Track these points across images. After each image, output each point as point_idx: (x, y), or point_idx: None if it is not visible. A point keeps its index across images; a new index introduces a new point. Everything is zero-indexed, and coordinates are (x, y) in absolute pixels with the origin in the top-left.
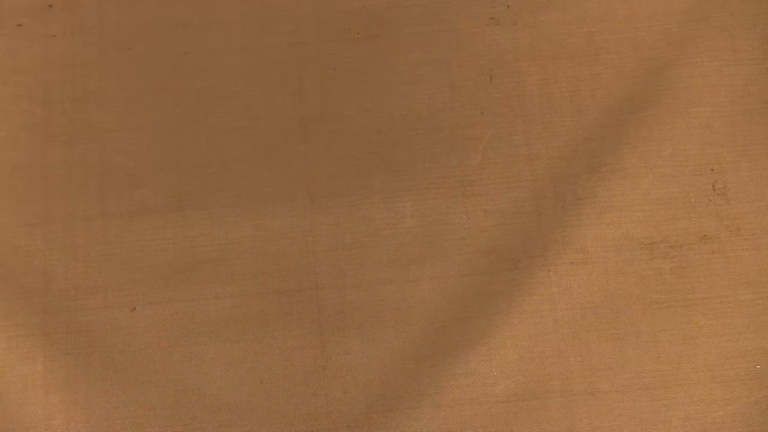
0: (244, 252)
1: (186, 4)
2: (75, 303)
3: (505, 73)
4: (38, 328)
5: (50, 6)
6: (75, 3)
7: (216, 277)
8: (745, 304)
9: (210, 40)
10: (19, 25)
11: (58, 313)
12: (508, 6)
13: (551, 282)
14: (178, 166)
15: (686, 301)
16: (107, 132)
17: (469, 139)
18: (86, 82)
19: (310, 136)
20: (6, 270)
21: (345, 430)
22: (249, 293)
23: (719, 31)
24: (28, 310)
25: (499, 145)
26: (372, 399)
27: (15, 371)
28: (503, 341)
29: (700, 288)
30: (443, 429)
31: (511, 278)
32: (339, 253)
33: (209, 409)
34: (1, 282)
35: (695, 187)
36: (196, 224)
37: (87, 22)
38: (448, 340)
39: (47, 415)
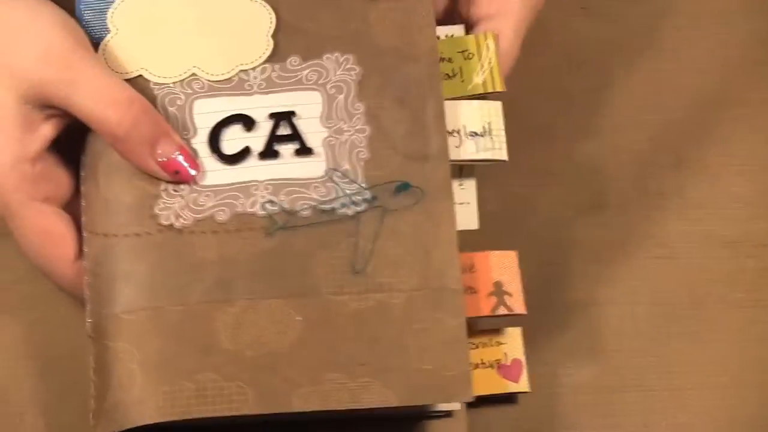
0: None
1: None
2: None
3: (590, 63)
4: None
5: None
6: None
7: None
8: None
9: None
10: None
11: None
12: None
13: (633, 275)
14: None
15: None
16: None
17: (552, 129)
18: None
19: None
20: None
21: None
22: None
23: None
24: None
25: (581, 136)
26: None
27: None
28: (580, 332)
29: None
30: (513, 418)
31: (591, 270)
32: None
33: None
34: None
35: None
36: None
37: None
38: (524, 329)
39: None
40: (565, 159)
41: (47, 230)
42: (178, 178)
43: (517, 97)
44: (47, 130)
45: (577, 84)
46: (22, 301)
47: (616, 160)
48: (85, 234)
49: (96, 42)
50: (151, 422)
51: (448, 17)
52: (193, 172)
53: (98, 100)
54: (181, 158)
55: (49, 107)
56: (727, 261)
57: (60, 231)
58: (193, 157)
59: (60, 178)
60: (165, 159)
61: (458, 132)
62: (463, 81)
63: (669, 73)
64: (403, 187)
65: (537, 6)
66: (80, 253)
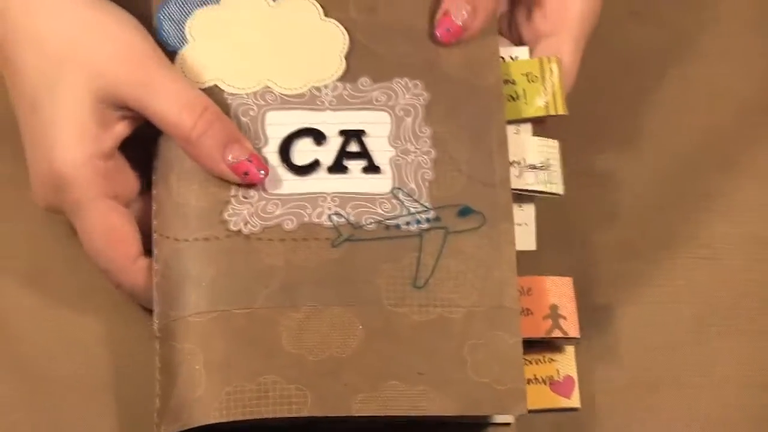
0: None
1: None
2: None
3: (640, 66)
4: None
5: None
6: None
7: None
8: None
9: None
10: None
11: None
12: (650, 2)
13: (676, 275)
14: None
15: None
16: None
17: (600, 130)
18: None
19: None
20: None
21: None
22: None
23: None
24: None
25: (628, 137)
26: None
27: None
28: (621, 328)
29: None
30: (553, 422)
31: (635, 267)
32: None
33: None
34: None
35: None
36: None
37: None
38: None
39: None
40: (612, 160)
41: (114, 227)
42: (248, 180)
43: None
44: (120, 129)
45: (626, 86)
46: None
47: (662, 161)
48: (155, 237)
49: (173, 51)
50: (214, 422)
51: (506, 35)
52: (262, 174)
53: (173, 104)
54: (250, 162)
55: (123, 108)
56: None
57: (126, 229)
58: (262, 161)
59: (127, 178)
60: (236, 161)
61: (518, 163)
62: (526, 103)
63: (718, 78)
64: (466, 211)
65: (594, 21)
66: (141, 252)
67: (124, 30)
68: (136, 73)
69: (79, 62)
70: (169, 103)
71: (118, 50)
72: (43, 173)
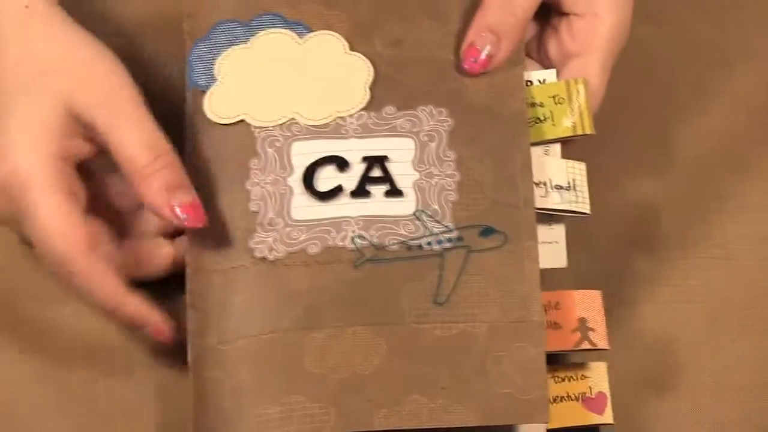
0: None
1: None
2: None
3: (657, 71)
4: None
5: None
6: None
7: None
8: None
9: None
10: None
11: None
12: (664, 5)
13: (690, 275)
14: None
15: None
16: None
17: (613, 132)
18: None
19: None
20: None
21: None
22: None
23: None
24: None
25: (645, 141)
26: None
27: None
28: (636, 328)
29: None
30: None
31: (649, 268)
32: None
33: None
34: None
35: None
36: None
37: None
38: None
39: None
40: (625, 161)
41: (69, 212)
42: (185, 225)
43: None
44: (81, 146)
45: (639, 89)
46: None
47: (676, 164)
48: (188, 271)
49: (203, 89)
50: None
51: (534, 57)
52: (199, 224)
53: (136, 139)
54: (193, 209)
55: (89, 128)
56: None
57: (77, 216)
58: (202, 211)
59: (80, 192)
60: (179, 206)
61: (545, 184)
62: (554, 125)
63: (732, 83)
64: (489, 231)
65: (622, 43)
66: (93, 249)
67: (110, 61)
68: (112, 102)
69: (64, 76)
70: (133, 138)
71: (102, 75)
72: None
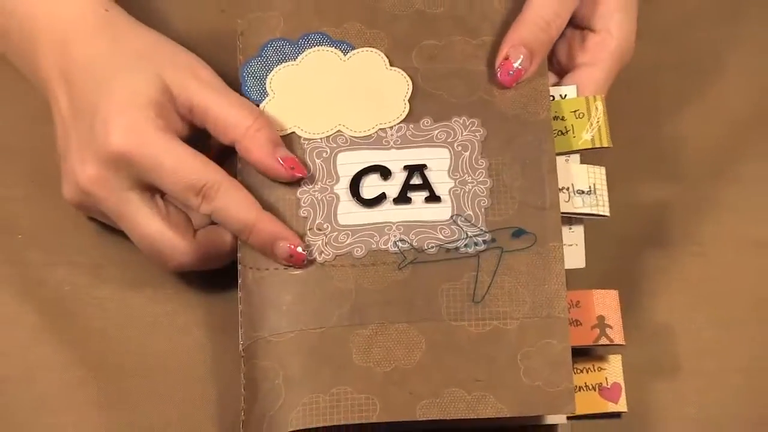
0: None
1: None
2: None
3: (642, 82)
4: None
5: None
6: None
7: None
8: None
9: None
10: None
11: None
12: (651, 18)
13: (669, 269)
14: None
15: None
16: None
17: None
18: None
19: None
20: None
21: None
22: None
23: None
24: None
25: (630, 147)
26: None
27: None
28: (640, 321)
29: None
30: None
31: (649, 266)
32: None
33: None
34: None
35: None
36: None
37: None
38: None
39: None
40: (619, 167)
41: (184, 156)
42: (293, 175)
43: None
44: (178, 123)
45: (630, 99)
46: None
47: (658, 170)
48: (240, 268)
49: (256, 103)
50: (293, 429)
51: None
52: (304, 173)
53: (236, 104)
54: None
55: (184, 108)
56: (757, 260)
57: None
58: (301, 164)
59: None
60: (285, 157)
61: (567, 189)
62: (574, 137)
63: (711, 93)
64: (520, 233)
65: (627, 59)
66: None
67: (187, 51)
68: (202, 79)
69: (157, 59)
70: (232, 104)
71: (186, 60)
72: (97, 154)
